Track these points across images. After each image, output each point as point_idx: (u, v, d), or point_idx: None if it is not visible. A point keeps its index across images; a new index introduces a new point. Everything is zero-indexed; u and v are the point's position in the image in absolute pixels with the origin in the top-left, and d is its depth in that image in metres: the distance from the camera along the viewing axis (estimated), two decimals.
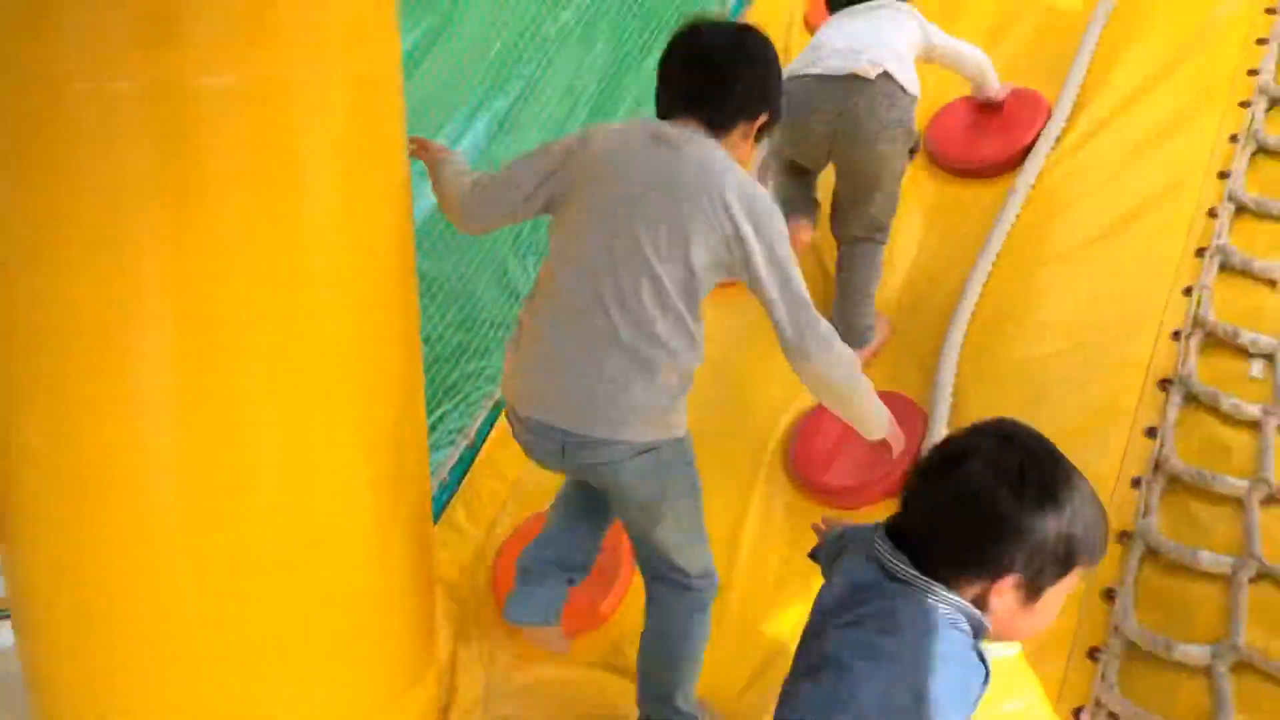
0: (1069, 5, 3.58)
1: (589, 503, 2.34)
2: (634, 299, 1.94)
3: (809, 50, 3.03)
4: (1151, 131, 3.09)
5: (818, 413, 2.75)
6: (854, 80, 2.85)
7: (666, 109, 2.07)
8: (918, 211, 3.24)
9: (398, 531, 2.18)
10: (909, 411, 2.63)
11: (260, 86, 1.90)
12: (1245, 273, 2.70)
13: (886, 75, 2.85)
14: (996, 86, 3.30)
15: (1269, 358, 2.51)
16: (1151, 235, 2.85)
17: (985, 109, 3.38)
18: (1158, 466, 2.41)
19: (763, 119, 2.06)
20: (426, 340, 2.88)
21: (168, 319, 1.91)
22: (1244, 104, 3.07)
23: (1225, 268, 2.72)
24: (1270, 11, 3.27)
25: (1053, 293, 2.87)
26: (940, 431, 2.62)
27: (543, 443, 2.06)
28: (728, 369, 2.87)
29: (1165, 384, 2.55)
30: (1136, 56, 3.31)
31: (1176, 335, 2.62)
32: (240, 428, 1.94)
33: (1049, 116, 3.26)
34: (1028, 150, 3.22)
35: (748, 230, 1.93)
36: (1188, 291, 2.70)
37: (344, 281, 2.05)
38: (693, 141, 1.99)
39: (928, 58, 3.11)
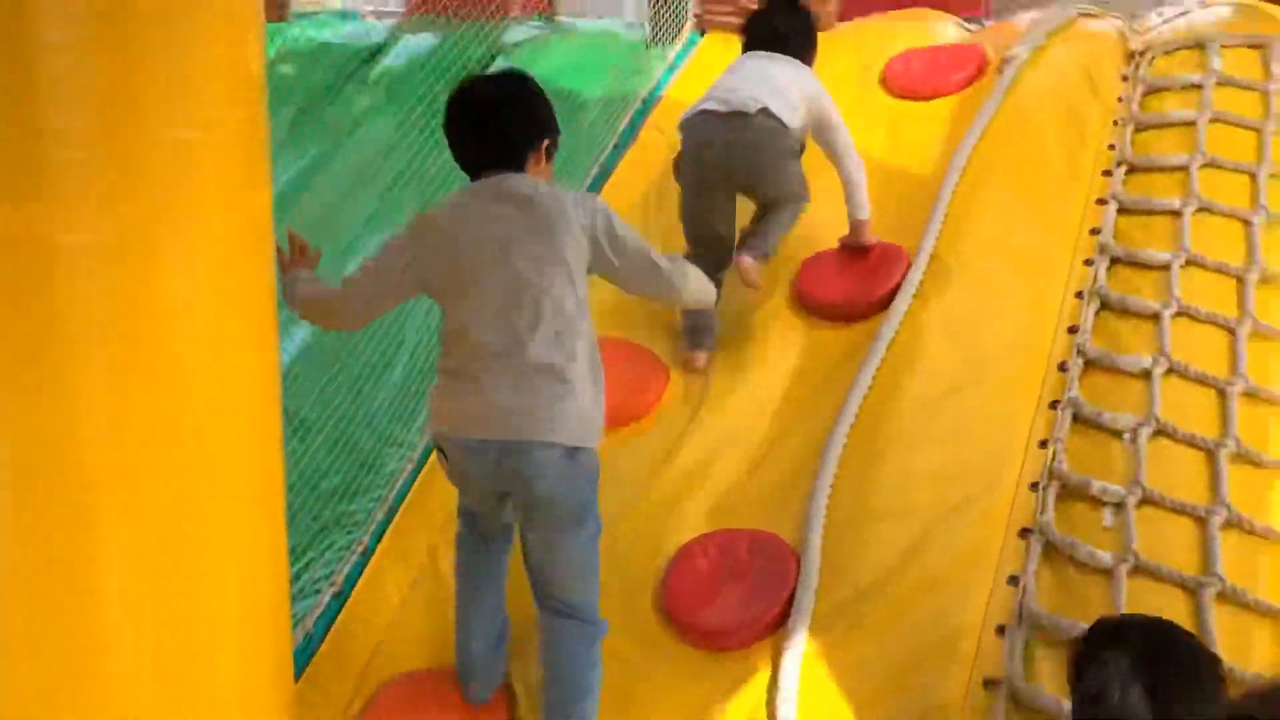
0: (923, 165, 3.78)
1: (487, 568, 2.58)
2: (541, 326, 2.30)
3: (711, 88, 3.46)
4: (1004, 286, 3.25)
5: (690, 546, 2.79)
6: (737, 116, 3.26)
7: (471, 168, 2.46)
8: (785, 353, 3.33)
9: (255, 685, 2.10)
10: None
11: (125, 242, 1.87)
12: (1096, 424, 2.83)
13: (766, 111, 3.25)
14: (865, 206, 3.46)
15: (1119, 506, 2.63)
16: (1007, 387, 2.98)
17: (851, 257, 3.52)
18: (1021, 615, 2.48)
19: (546, 142, 2.46)
20: (293, 487, 2.81)
21: (22, 475, 1.85)
22: (1088, 261, 3.27)
23: (1078, 419, 2.86)
24: (1106, 174, 3.53)
25: (918, 440, 2.95)
26: (813, 577, 2.65)
27: (478, 460, 2.34)
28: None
29: (1025, 533, 2.64)
30: (988, 213, 3.50)
31: (1034, 486, 2.73)
32: (97, 588, 1.88)
33: (909, 266, 3.41)
34: (891, 297, 3.35)
35: (607, 247, 2.40)
36: (1043, 444, 2.82)
37: (208, 431, 2.01)
38: (518, 184, 2.39)
39: (815, 125, 3.43)
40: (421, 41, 5.36)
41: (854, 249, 3.52)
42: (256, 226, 2.13)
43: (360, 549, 3.05)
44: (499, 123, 2.41)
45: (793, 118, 3.30)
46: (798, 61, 3.48)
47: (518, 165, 2.41)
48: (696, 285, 2.66)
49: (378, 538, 3.06)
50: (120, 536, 1.91)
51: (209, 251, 2.00)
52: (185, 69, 1.92)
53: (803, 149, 3.43)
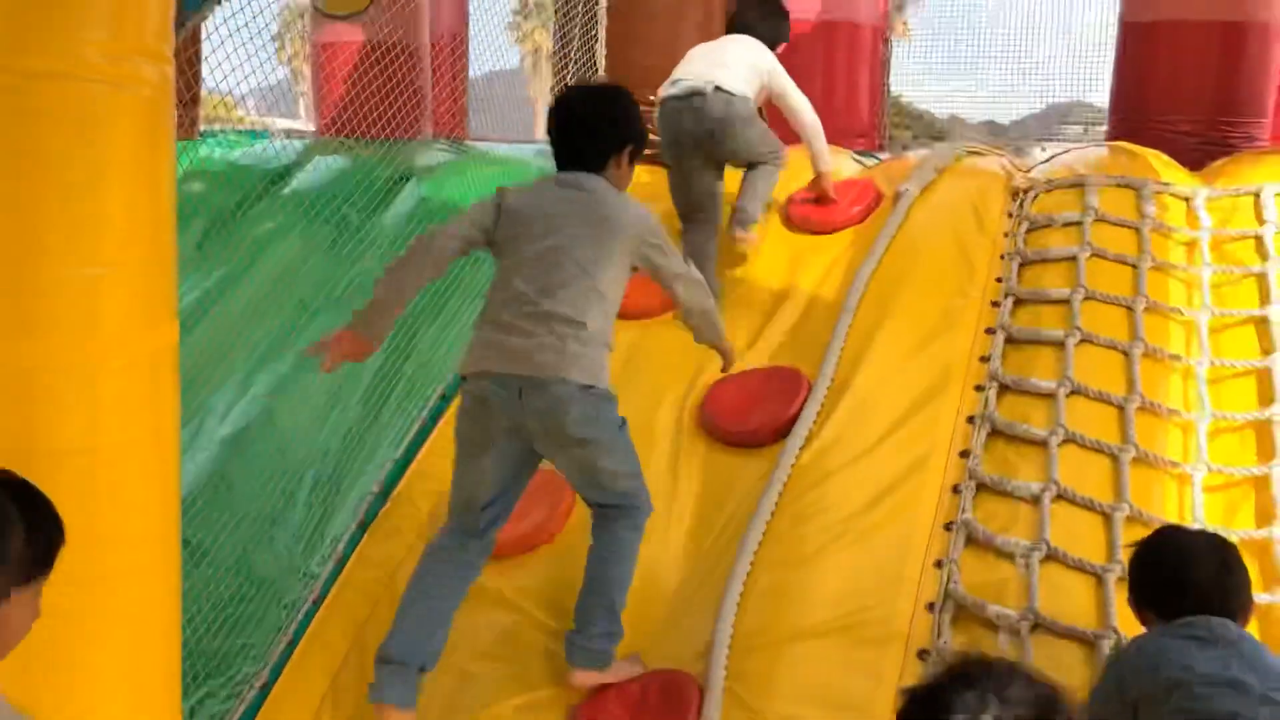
0: (826, 292, 3.93)
1: (450, 579, 2.80)
2: (568, 290, 2.70)
3: (674, 71, 4.18)
4: (900, 411, 3.36)
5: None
6: (696, 94, 4.02)
7: (560, 164, 2.90)
8: (689, 479, 3.38)
9: None
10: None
11: (26, 379, 1.85)
12: (990, 547, 2.93)
13: (718, 86, 4.00)
14: (824, 157, 4.26)
15: (1014, 632, 2.70)
16: (903, 509, 3.06)
17: (754, 383, 3.60)
18: None
19: (629, 149, 2.89)
20: (192, 620, 2.74)
21: None
22: (978, 387, 3.41)
23: (971, 542, 2.95)
24: (995, 305, 3.70)
25: (820, 563, 3.00)
26: (715, 712, 2.64)
27: (504, 393, 2.68)
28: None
29: (923, 654, 2.69)
30: (883, 341, 3.63)
31: (931, 607, 2.79)
32: None
33: (809, 392, 3.51)
34: (792, 422, 3.43)
35: (644, 246, 2.82)
36: (939, 564, 2.90)
37: (104, 566, 1.97)
38: (589, 181, 2.82)
39: (770, 88, 4.18)
40: (332, 163, 5.42)
41: (758, 375, 3.61)
42: (162, 360, 2.12)
43: (260, 683, 2.96)
44: (586, 130, 2.86)
45: (744, 89, 4.04)
46: (756, 42, 4.22)
47: (598, 167, 2.84)
48: (700, 303, 2.98)
49: (278, 671, 2.97)
50: (10, 669, 1.84)
51: (112, 386, 1.99)
52: (91, 206, 1.93)
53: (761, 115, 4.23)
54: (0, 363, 1.80)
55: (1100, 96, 5.53)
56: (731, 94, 4.01)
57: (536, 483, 2.94)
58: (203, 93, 6.02)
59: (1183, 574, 2.22)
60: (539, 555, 3.22)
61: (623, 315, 3.33)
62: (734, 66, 4.09)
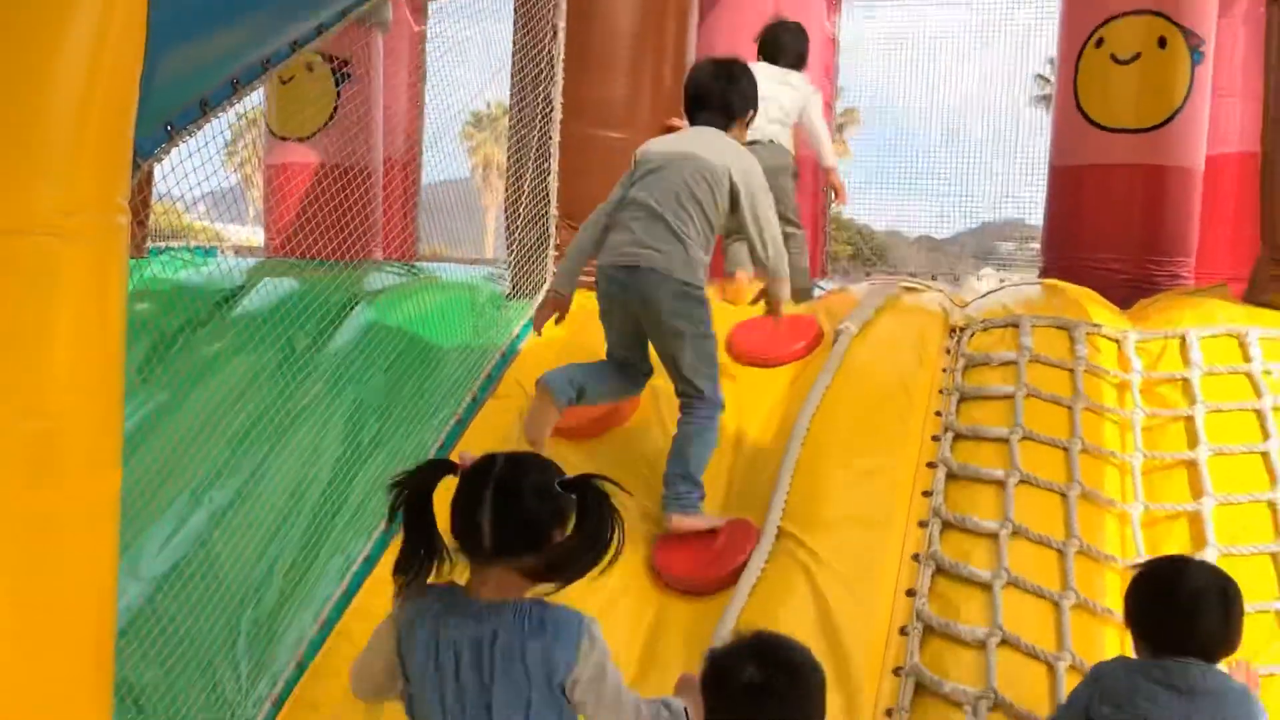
0: (766, 431, 3.97)
1: (618, 369, 3.74)
2: (677, 210, 3.50)
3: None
4: (846, 553, 3.37)
5: None
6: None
7: (693, 119, 3.76)
8: (637, 628, 3.35)
9: None
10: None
11: None
12: (938, 694, 2.93)
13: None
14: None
15: None
16: (852, 652, 3.06)
17: (704, 535, 3.58)
18: None
19: (750, 114, 3.79)
20: None
21: None
22: (922, 523, 3.45)
23: (920, 688, 2.95)
24: (935, 439, 3.77)
25: None
26: None
27: (615, 282, 3.55)
28: None
29: None
30: (828, 482, 3.65)
31: None
32: None
33: (758, 540, 3.50)
34: (740, 570, 3.42)
35: (740, 185, 3.57)
36: (889, 714, 2.89)
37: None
38: (708, 132, 3.66)
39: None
40: (280, 285, 5.41)
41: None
42: (103, 509, 2.09)
43: None
44: (717, 92, 3.70)
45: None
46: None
47: (723, 125, 3.68)
48: (776, 259, 3.71)
49: None
50: None
51: (53, 538, 1.95)
52: (38, 358, 1.91)
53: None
54: None
55: (1035, 216, 5.78)
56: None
57: None
58: (153, 200, 6.01)
59: (1193, 621, 2.33)
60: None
61: (568, 435, 3.84)
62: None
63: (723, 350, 4.42)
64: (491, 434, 4.16)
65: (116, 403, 2.13)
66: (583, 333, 4.11)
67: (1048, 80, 6.64)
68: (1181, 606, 2.34)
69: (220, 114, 2.92)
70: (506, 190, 4.97)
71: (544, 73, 4.74)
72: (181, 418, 4.54)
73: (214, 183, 4.26)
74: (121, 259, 2.13)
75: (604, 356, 3.77)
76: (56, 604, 1.95)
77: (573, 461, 3.78)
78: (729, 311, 4.60)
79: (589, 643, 2.04)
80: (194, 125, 2.75)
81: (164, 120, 2.63)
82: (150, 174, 4.90)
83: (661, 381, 3.78)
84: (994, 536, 3.32)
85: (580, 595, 3.34)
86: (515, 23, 4.90)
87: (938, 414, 3.88)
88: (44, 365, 1.93)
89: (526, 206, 4.81)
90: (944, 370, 4.09)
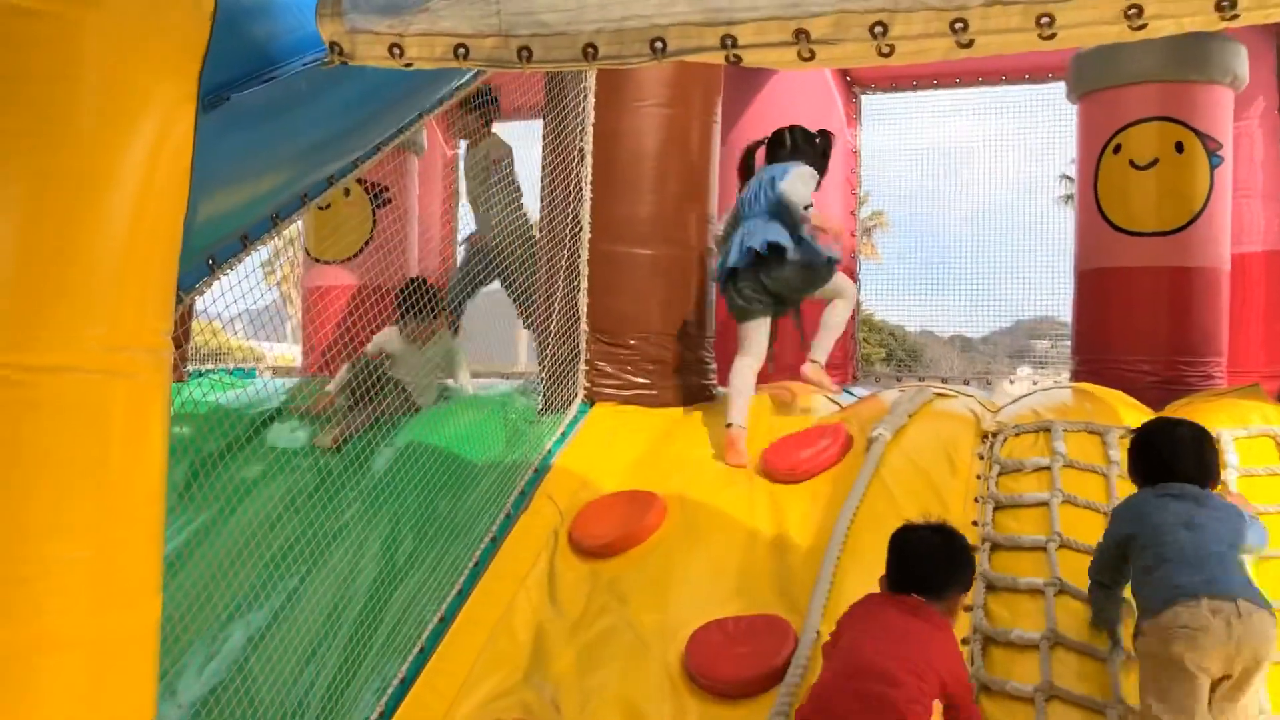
0: (803, 541, 3.96)
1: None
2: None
3: None
4: None
5: None
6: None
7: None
8: None
9: None
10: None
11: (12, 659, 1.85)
12: None
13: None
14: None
15: None
16: None
17: (740, 633, 3.57)
18: None
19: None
20: None
21: None
22: (964, 641, 3.40)
23: None
24: (974, 550, 3.73)
25: None
26: None
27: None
28: None
29: None
30: (866, 585, 3.63)
31: None
32: None
33: (796, 643, 3.48)
34: (780, 673, 3.39)
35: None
36: None
37: None
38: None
39: None
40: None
41: (743, 624, 3.59)
42: (145, 636, 2.12)
43: None
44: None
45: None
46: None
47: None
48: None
49: None
50: None
51: (89, 666, 1.98)
52: (83, 490, 1.97)
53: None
54: None
55: (1068, 313, 5.80)
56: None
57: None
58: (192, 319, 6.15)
59: (1171, 462, 3.11)
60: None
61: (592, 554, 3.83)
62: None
63: (755, 469, 4.45)
64: (525, 552, 4.18)
65: (158, 530, 2.18)
66: (610, 447, 4.16)
67: (1071, 179, 6.75)
68: (1165, 448, 3.15)
69: (260, 246, 3.04)
70: (538, 306, 5.07)
71: (572, 193, 4.87)
72: (220, 539, 4.59)
73: (251, 300, 4.40)
74: (165, 390, 2.20)
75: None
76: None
77: (605, 576, 3.81)
78: (759, 434, 4.63)
79: None
80: (235, 259, 2.86)
81: (206, 255, 2.73)
82: (192, 305, 5.06)
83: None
84: (1035, 648, 3.27)
85: (615, 697, 3.36)
86: (544, 147, 5.06)
87: (974, 524, 3.85)
88: (89, 496, 1.99)
89: (557, 322, 4.90)
90: (978, 477, 4.08)
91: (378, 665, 3.64)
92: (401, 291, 5.45)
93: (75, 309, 1.97)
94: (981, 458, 4.19)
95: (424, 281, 5.59)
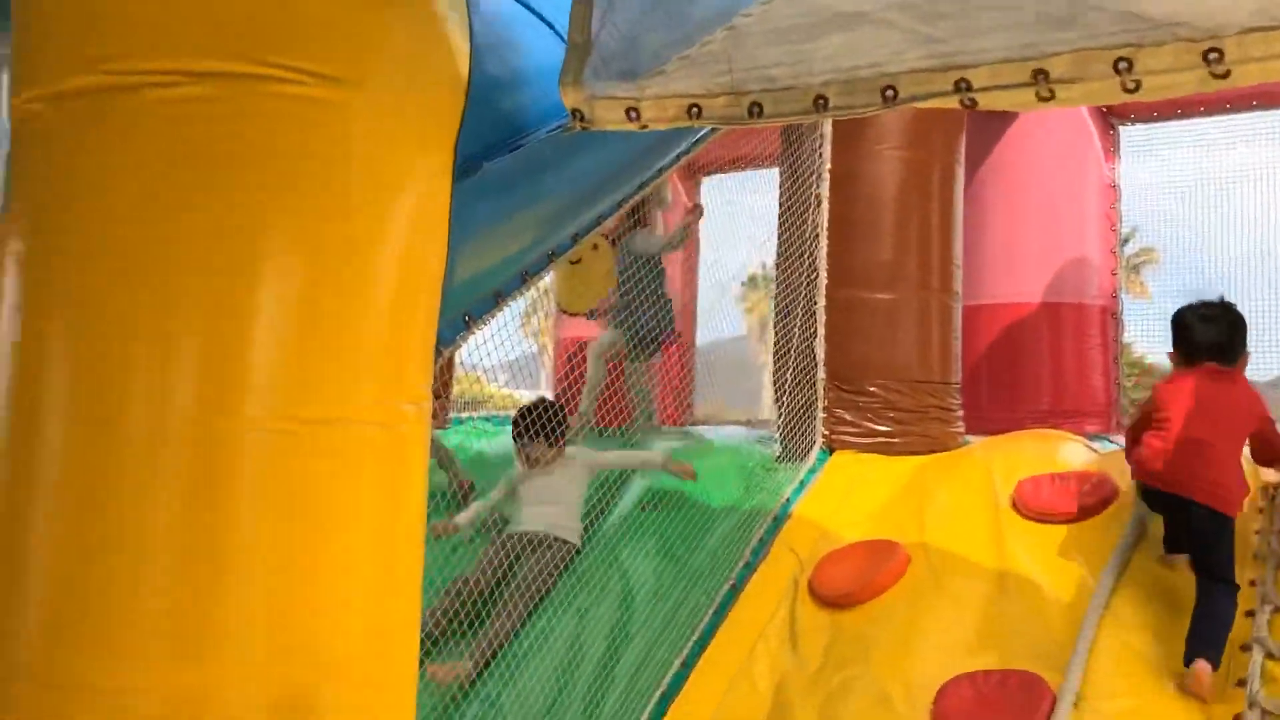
0: (1057, 589, 3.76)
1: None
2: None
3: None
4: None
5: None
6: None
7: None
8: None
9: None
10: None
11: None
12: None
13: None
14: None
15: None
16: None
17: (989, 687, 3.41)
18: None
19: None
20: None
21: None
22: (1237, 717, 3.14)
23: None
24: (1249, 614, 3.43)
25: None
26: None
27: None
28: None
29: None
30: (1135, 649, 3.41)
31: None
32: None
33: (1054, 703, 3.29)
34: None
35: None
36: None
37: None
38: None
39: None
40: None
41: (993, 680, 3.45)
42: (408, 673, 2.26)
43: None
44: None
45: None
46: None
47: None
48: None
49: None
50: None
51: (365, 701, 2.13)
52: (348, 540, 2.11)
53: None
54: (262, 688, 1.96)
55: None
56: None
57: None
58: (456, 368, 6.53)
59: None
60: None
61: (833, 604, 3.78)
62: None
63: (1009, 506, 4.28)
64: (766, 602, 4.18)
65: (419, 569, 2.33)
66: (850, 496, 4.10)
67: None
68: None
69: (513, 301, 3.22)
70: (774, 354, 5.09)
71: (809, 238, 4.88)
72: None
73: (506, 351, 4.64)
74: (425, 439, 2.36)
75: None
76: None
77: (846, 626, 3.74)
78: (1009, 465, 4.46)
79: None
80: (489, 315, 3.04)
81: (462, 312, 2.92)
82: (451, 359, 5.39)
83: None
84: None
85: None
86: (780, 194, 5.10)
87: (1252, 584, 3.55)
88: (366, 536, 2.14)
89: (795, 369, 4.90)
90: (1256, 533, 3.76)
91: (620, 710, 3.71)
92: (522, 416, 4.68)
93: (347, 367, 2.14)
94: (1261, 512, 3.85)
95: (547, 403, 4.82)
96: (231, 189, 2.02)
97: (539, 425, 4.55)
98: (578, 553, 4.49)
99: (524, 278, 3.18)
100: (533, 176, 2.87)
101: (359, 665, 2.10)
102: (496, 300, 3.07)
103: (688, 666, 3.86)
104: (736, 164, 6.55)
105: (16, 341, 2.05)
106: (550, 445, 4.57)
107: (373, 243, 2.18)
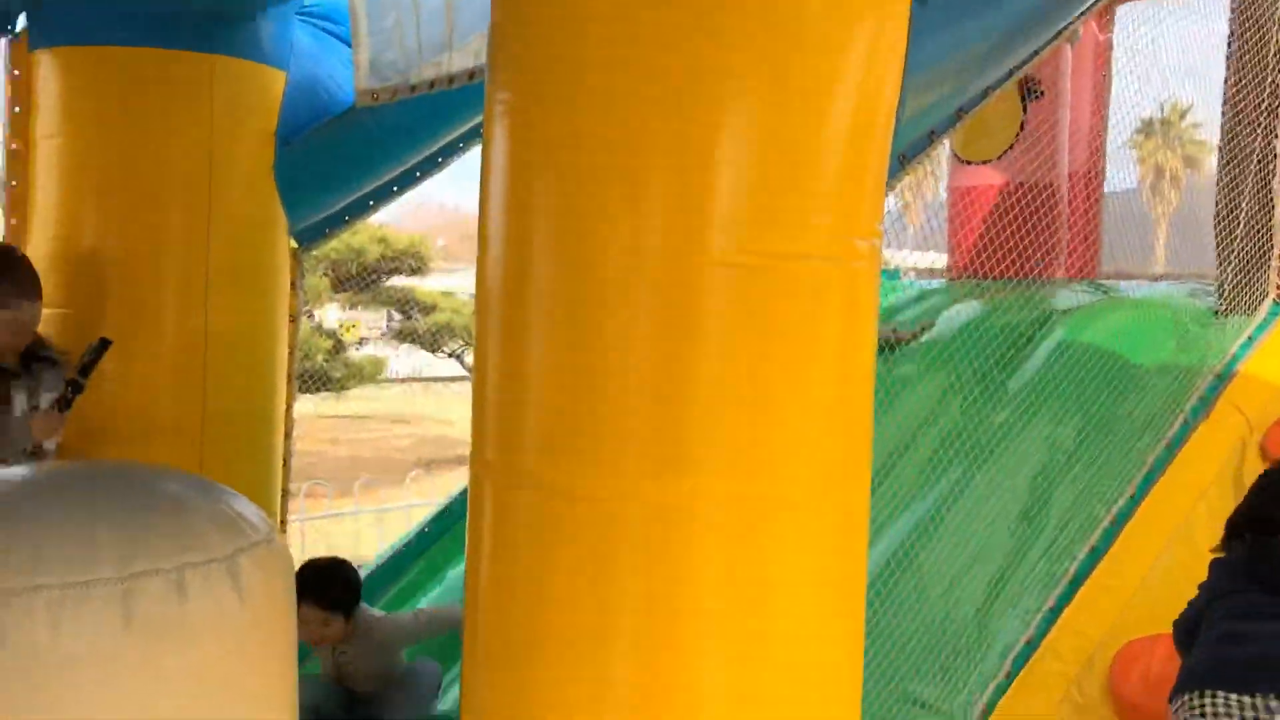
0: None
1: None
2: None
3: None
4: None
5: None
6: None
7: None
8: None
9: None
10: None
11: (745, 514, 2.10)
12: None
13: None
14: None
15: None
16: None
17: None
18: None
19: None
20: None
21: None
22: None
23: None
24: None
25: None
26: None
27: None
28: None
29: None
30: None
31: None
32: None
33: None
34: None
35: None
36: None
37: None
38: None
39: None
40: (967, 310, 5.51)
41: None
42: (860, 511, 2.31)
43: None
44: None
45: None
46: None
47: None
48: None
49: None
50: None
51: (819, 527, 2.20)
52: (808, 374, 2.16)
53: None
54: (732, 496, 2.07)
55: None
56: None
57: None
58: None
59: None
60: None
61: None
62: None
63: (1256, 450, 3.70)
64: (1205, 458, 3.88)
65: (869, 408, 2.35)
66: None
67: None
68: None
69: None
70: (1219, 200, 4.58)
71: (1271, 66, 4.29)
72: (879, 436, 4.82)
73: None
74: (876, 278, 2.33)
75: None
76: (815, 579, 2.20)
77: None
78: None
79: None
80: (923, 154, 2.94)
81: (898, 152, 2.84)
82: None
83: None
84: None
85: None
86: (1232, 17, 4.51)
87: None
88: (820, 373, 2.18)
89: (1245, 216, 4.39)
90: None
91: (1045, 561, 3.62)
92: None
93: (806, 200, 2.14)
94: None
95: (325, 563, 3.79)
96: (698, 28, 2.04)
97: (313, 591, 3.50)
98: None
99: (930, 137, 3.04)
100: (978, 10, 2.71)
101: (816, 486, 2.16)
102: (930, 138, 2.97)
103: (1118, 523, 3.67)
104: None
105: (507, 186, 2.22)
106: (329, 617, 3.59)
107: (831, 76, 2.13)
